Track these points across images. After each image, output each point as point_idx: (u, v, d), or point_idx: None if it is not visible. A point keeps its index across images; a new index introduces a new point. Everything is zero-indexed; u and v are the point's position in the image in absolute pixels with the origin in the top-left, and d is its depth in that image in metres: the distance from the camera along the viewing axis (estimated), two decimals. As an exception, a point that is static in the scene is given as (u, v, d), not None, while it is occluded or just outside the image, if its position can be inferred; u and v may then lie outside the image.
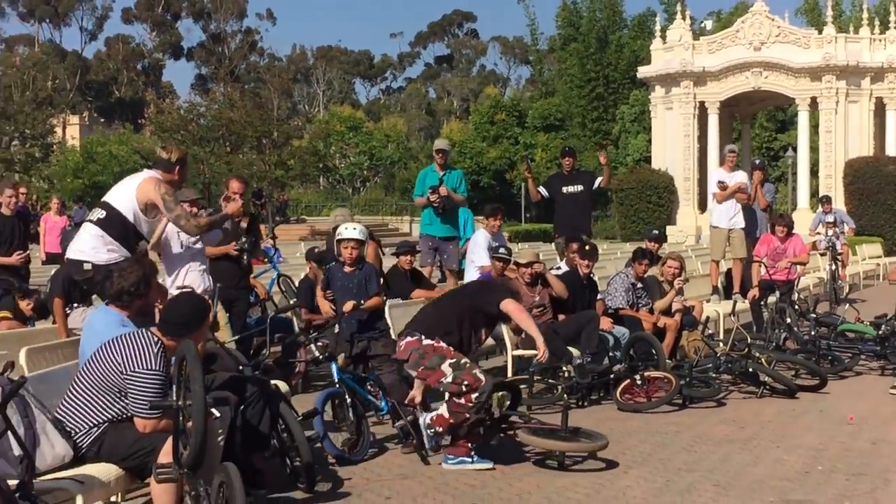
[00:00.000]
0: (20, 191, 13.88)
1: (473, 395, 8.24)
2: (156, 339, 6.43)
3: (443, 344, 8.52)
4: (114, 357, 6.34)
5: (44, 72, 72.02)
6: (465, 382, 8.27)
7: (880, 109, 45.12)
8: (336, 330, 9.83)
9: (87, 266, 8.72)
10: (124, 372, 6.28)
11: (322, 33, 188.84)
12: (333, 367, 9.40)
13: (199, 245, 9.81)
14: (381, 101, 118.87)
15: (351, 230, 10.22)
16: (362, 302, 9.82)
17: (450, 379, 8.34)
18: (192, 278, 9.68)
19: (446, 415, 8.38)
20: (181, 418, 5.96)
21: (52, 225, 20.83)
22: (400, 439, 9.39)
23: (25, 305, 11.32)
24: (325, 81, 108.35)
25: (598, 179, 16.13)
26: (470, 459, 8.56)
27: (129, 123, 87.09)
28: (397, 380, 9.62)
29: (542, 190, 16.40)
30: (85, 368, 6.51)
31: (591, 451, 8.54)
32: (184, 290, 8.91)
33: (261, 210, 45.99)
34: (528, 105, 71.07)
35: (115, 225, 8.83)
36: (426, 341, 8.51)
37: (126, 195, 8.95)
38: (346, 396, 9.16)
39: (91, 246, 8.84)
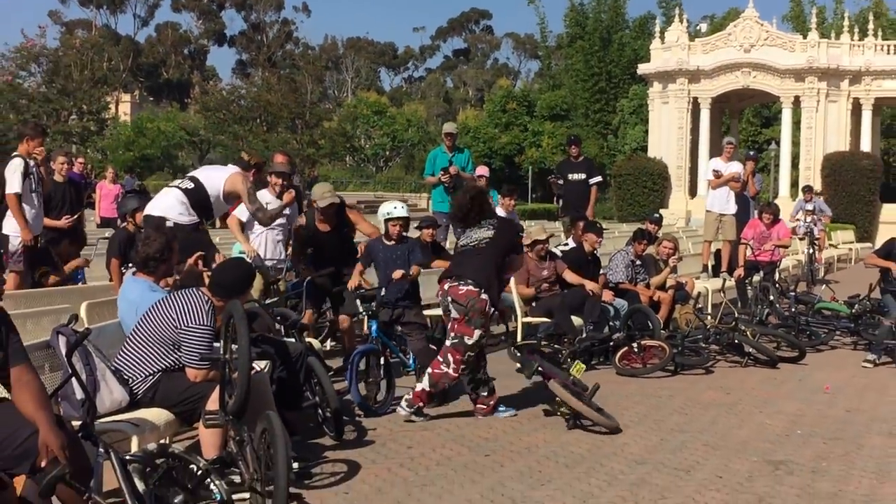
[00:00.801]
0: (79, 160, 13.86)
1: (462, 359, 8.58)
2: (206, 298, 6.46)
3: (490, 309, 8.70)
4: (169, 313, 6.37)
5: (100, 54, 71.63)
6: (468, 354, 8.61)
7: (857, 109, 44.95)
8: (382, 294, 9.78)
9: (168, 223, 8.95)
10: (178, 326, 6.33)
11: (352, 25, 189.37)
12: (374, 326, 9.46)
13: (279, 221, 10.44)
14: (404, 89, 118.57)
15: (400, 209, 10.23)
16: (410, 273, 9.93)
17: (472, 342, 8.52)
18: (270, 247, 10.56)
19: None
20: (227, 370, 5.98)
21: (106, 192, 20.82)
22: None
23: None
24: (354, 69, 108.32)
25: (595, 179, 16.20)
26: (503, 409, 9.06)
27: (176, 102, 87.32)
28: (425, 345, 9.66)
29: (559, 181, 16.36)
30: (141, 322, 6.54)
31: (602, 425, 8.51)
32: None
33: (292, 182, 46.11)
34: (537, 96, 70.80)
35: (200, 198, 9.29)
36: (483, 296, 8.58)
37: (216, 179, 9.58)
38: (381, 354, 9.21)
39: (174, 207, 9.17)
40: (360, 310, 9.67)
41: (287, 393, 7.39)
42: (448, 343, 8.69)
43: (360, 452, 7.72)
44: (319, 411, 8.09)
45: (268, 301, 9.39)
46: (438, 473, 7.25)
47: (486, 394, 8.97)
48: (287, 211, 10.67)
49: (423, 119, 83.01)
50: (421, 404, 8.68)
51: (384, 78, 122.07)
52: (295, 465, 6.84)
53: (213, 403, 6.08)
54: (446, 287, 8.72)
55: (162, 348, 6.41)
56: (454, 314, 8.63)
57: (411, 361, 9.95)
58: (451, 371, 8.58)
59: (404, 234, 10.32)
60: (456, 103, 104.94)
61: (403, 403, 8.72)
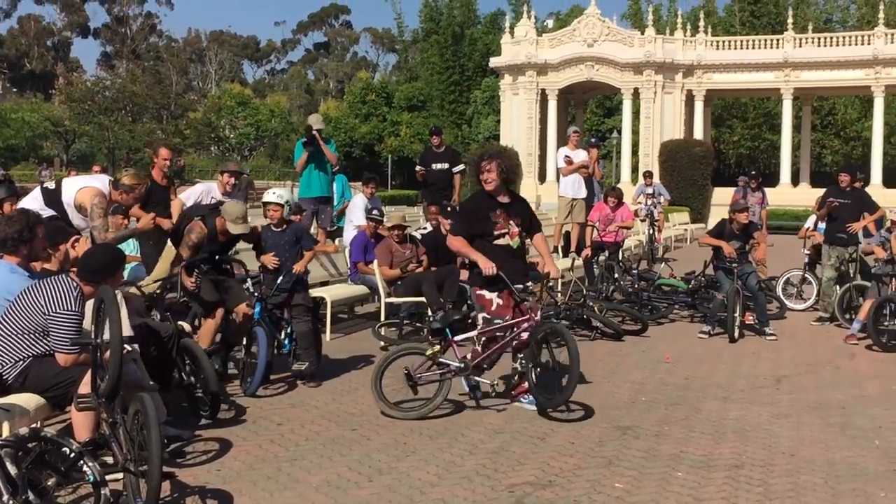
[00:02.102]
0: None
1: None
2: (74, 283, 6.24)
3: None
4: (37, 299, 6.13)
5: (-40, 46, 69.15)
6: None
7: (690, 100, 46.22)
8: (279, 281, 9.53)
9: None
10: (46, 313, 6.10)
11: (214, 19, 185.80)
12: (258, 308, 9.20)
13: None
14: (267, 81, 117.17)
15: (271, 195, 9.95)
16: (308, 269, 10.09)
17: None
18: None
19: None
20: (99, 354, 5.81)
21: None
22: (297, 377, 9.44)
23: None
24: (217, 62, 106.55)
25: (458, 168, 16.16)
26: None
27: (40, 94, 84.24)
28: (309, 328, 9.48)
29: (423, 170, 16.26)
30: (9, 309, 6.28)
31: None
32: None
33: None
34: (395, 88, 70.90)
35: (53, 199, 8.77)
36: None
37: (71, 188, 8.90)
38: (261, 335, 8.99)
39: (29, 204, 8.72)
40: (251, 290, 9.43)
41: (159, 374, 7.23)
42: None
43: (232, 431, 7.62)
44: (195, 391, 7.94)
45: None
46: (308, 448, 7.20)
47: None
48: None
49: (286, 110, 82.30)
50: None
51: (247, 70, 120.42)
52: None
53: (85, 387, 5.90)
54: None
55: (31, 335, 6.16)
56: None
57: (286, 343, 9.75)
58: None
59: (285, 219, 10.04)
60: (317, 95, 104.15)
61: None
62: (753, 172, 16.53)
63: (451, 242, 8.69)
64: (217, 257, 9.38)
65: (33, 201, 8.79)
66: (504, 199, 8.53)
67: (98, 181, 9.22)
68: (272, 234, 9.81)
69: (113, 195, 8.93)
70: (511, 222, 8.44)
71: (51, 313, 6.11)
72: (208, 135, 63.41)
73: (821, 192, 16.51)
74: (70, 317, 6.12)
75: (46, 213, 8.52)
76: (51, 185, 9.26)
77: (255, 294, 9.27)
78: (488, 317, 8.44)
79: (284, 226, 9.90)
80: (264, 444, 7.28)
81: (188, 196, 11.42)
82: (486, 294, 8.40)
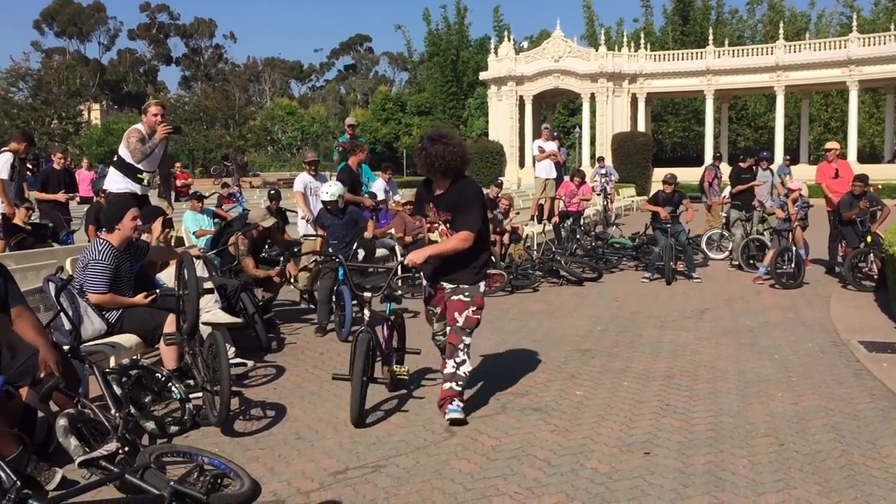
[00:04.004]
0: (58, 155, 13.46)
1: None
2: (101, 240, 6.06)
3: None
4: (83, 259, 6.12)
5: (73, 73, 68.59)
6: None
7: (634, 102, 45.94)
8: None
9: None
10: (85, 265, 6.01)
11: (268, 48, 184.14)
12: (341, 271, 8.41)
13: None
14: (309, 95, 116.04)
15: (325, 194, 9.19)
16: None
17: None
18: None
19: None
20: (182, 302, 5.83)
21: (83, 178, 19.94)
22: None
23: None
24: (270, 81, 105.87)
25: None
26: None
27: (135, 109, 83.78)
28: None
29: None
30: None
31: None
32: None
33: (228, 167, 45.28)
34: (407, 98, 70.44)
35: (117, 163, 8.21)
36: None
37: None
38: (345, 292, 8.28)
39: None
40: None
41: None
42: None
43: (286, 359, 7.67)
44: (253, 331, 8.00)
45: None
46: (343, 370, 7.23)
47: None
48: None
49: (324, 117, 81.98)
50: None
51: (294, 87, 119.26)
52: (236, 368, 6.78)
53: (170, 327, 5.93)
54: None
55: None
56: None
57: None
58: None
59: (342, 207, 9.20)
60: (348, 105, 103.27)
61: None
62: (766, 153, 15.31)
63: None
64: (261, 251, 9.32)
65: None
66: (438, 191, 5.79)
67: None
68: (330, 217, 9.10)
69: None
70: (441, 218, 5.80)
71: (82, 266, 6.04)
72: (265, 138, 63.35)
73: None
74: (93, 265, 5.93)
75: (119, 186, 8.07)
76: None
77: (336, 258, 8.45)
78: (424, 301, 6.21)
79: (341, 213, 9.14)
80: (309, 369, 7.33)
81: (298, 187, 10.94)
82: (425, 281, 6.02)
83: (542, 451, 5.08)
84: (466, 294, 5.75)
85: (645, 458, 4.97)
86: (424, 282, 6.06)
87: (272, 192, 13.84)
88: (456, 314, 5.72)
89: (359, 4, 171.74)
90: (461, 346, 5.72)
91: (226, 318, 6.90)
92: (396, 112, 67.38)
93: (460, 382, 5.75)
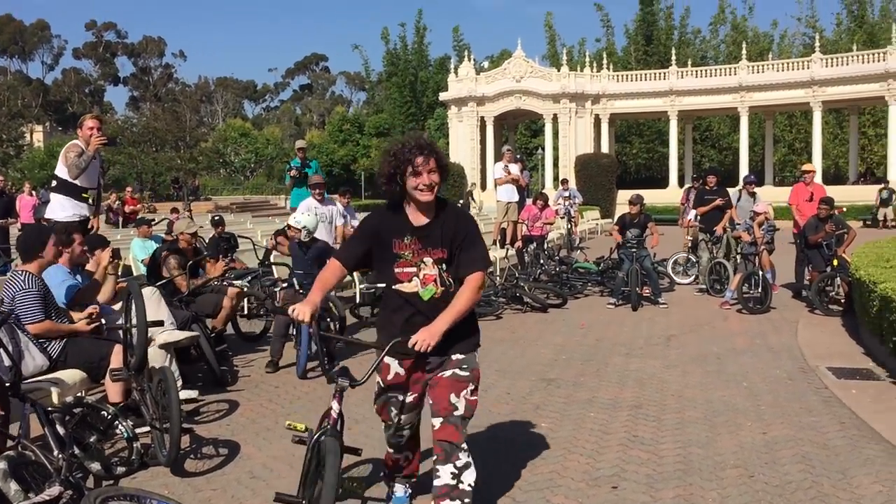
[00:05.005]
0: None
1: None
2: (20, 271, 5.98)
3: None
4: (7, 292, 5.99)
5: (14, 93, 67.75)
6: None
7: (598, 122, 46.47)
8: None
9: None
10: (13, 299, 5.87)
11: (220, 67, 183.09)
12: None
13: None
14: (263, 116, 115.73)
15: (292, 220, 9.13)
16: None
17: None
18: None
19: None
20: (128, 335, 5.75)
21: (25, 202, 19.67)
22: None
23: None
24: (223, 102, 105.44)
25: None
26: None
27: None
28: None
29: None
30: None
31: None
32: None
33: (179, 191, 45.05)
34: (365, 119, 70.50)
35: (58, 186, 7.99)
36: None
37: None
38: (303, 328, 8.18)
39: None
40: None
41: (180, 351, 7.18)
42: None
43: (240, 394, 7.58)
44: (205, 363, 7.90)
45: None
46: (299, 405, 7.19)
47: None
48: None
49: (279, 139, 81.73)
50: None
51: (247, 108, 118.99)
52: (188, 404, 6.68)
53: (116, 361, 5.84)
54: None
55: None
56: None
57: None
58: None
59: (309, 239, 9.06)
60: (304, 126, 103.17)
61: None
62: (752, 177, 15.44)
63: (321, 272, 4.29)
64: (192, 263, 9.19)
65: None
66: (421, 219, 4.10)
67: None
68: (295, 248, 9.07)
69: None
70: (426, 258, 4.09)
71: (14, 297, 5.93)
72: (217, 160, 63.02)
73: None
74: (24, 295, 5.83)
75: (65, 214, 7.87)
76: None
77: (300, 292, 8.41)
78: (381, 385, 4.33)
79: (307, 246, 8.99)
80: (264, 403, 7.25)
81: (300, 209, 10.70)
82: (386, 357, 4.15)
83: (506, 487, 5.07)
84: (463, 367, 4.15)
85: (613, 492, 4.99)
86: (388, 360, 4.20)
87: (216, 218, 13.66)
88: (452, 398, 4.09)
89: (314, 23, 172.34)
90: (462, 443, 4.08)
91: (181, 334, 6.82)
92: (354, 133, 67.37)
93: (467, 501, 4.01)
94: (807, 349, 9.32)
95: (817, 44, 45.05)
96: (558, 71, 46.04)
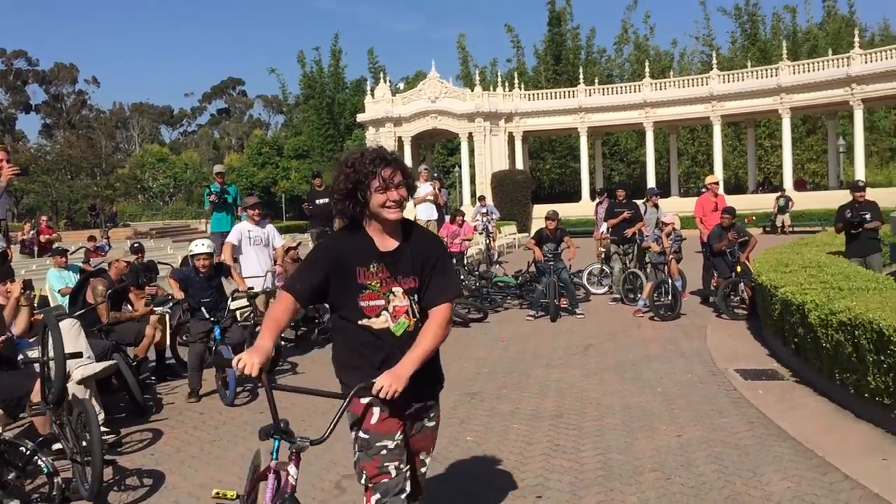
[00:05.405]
0: None
1: None
2: None
3: None
4: None
5: (-79, 124, 65.09)
6: None
7: (512, 140, 46.99)
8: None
9: None
10: None
11: (135, 93, 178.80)
12: (217, 330, 8.26)
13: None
14: (181, 141, 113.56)
15: (201, 246, 8.63)
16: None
17: None
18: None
19: None
20: (46, 369, 5.54)
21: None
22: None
23: None
24: (139, 127, 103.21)
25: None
26: None
27: (-9, 161, 79.71)
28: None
29: (308, 206, 15.97)
30: None
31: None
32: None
33: (96, 218, 43.86)
34: (284, 141, 69.82)
35: None
36: None
37: None
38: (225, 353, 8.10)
39: None
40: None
41: (100, 382, 6.96)
42: None
43: (164, 422, 7.39)
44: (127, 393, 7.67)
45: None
46: (225, 430, 7.03)
47: None
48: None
49: (198, 163, 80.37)
50: None
51: (165, 133, 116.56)
52: (109, 437, 6.47)
53: (36, 396, 5.62)
54: None
55: None
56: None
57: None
58: None
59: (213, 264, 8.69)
60: (222, 149, 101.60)
61: None
62: (656, 189, 15.71)
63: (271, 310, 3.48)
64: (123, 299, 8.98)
65: None
66: (388, 243, 3.46)
67: None
68: (200, 280, 8.50)
69: None
70: (395, 287, 3.44)
71: None
72: (135, 186, 61.64)
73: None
74: None
75: None
76: None
77: (212, 320, 8.27)
78: (364, 436, 3.46)
79: (212, 270, 8.60)
80: (189, 430, 7.08)
81: (232, 238, 10.45)
82: (363, 399, 3.38)
83: (434, 502, 5.04)
84: (432, 417, 3.66)
85: (537, 501, 5.01)
86: (365, 400, 3.39)
87: (135, 245, 13.27)
88: (422, 455, 3.68)
89: (230, 47, 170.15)
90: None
91: (100, 366, 6.61)
92: (273, 156, 66.67)
93: None
94: (715, 353, 9.56)
95: (714, 61, 46.56)
96: (472, 91, 46.45)
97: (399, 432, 3.45)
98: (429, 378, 3.47)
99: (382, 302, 3.41)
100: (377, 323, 3.41)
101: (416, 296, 3.47)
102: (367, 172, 3.33)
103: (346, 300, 3.42)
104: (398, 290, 3.43)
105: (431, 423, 3.64)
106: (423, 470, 3.69)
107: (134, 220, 59.91)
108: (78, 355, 6.48)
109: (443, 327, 3.43)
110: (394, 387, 3.17)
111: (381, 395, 3.16)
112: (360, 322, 3.41)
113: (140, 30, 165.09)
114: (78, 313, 8.06)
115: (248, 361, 3.12)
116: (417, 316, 3.47)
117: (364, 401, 3.38)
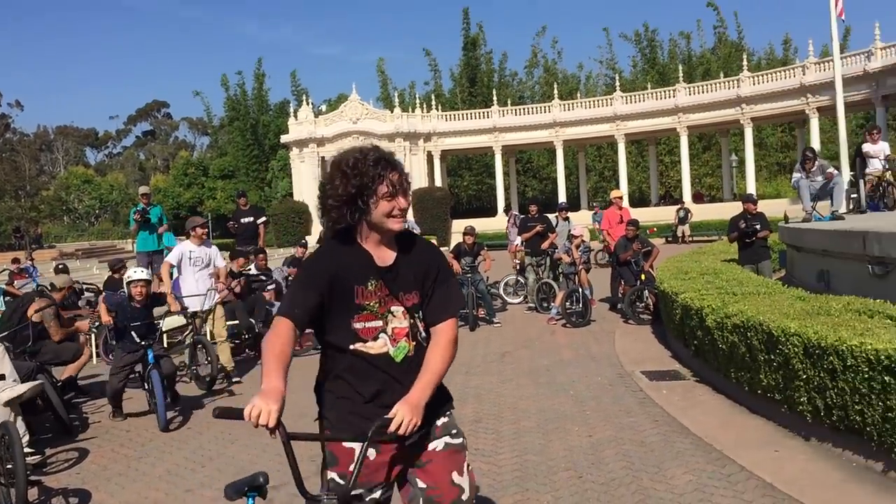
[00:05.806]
0: None
1: None
2: None
3: None
4: None
5: None
6: None
7: (430, 159, 47.28)
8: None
9: None
10: None
11: (60, 116, 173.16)
12: (150, 355, 7.83)
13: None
14: (106, 162, 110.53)
15: (140, 273, 8.24)
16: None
17: None
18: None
19: None
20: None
21: None
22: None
23: None
24: (64, 150, 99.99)
25: (261, 219, 15.60)
26: None
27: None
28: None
29: (234, 224, 15.59)
30: None
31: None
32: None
33: (21, 240, 42.31)
34: (210, 162, 68.64)
35: None
36: None
37: None
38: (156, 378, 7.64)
39: None
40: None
41: (25, 403, 6.68)
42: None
43: (90, 441, 7.15)
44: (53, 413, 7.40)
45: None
46: (152, 447, 6.84)
47: None
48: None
49: (124, 184, 78.35)
50: None
51: (90, 155, 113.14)
52: (34, 458, 6.22)
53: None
54: None
55: None
56: None
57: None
58: None
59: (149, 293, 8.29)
60: (148, 171, 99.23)
61: None
62: (565, 204, 15.99)
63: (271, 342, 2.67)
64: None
65: None
66: (386, 257, 2.86)
67: None
68: (127, 305, 8.11)
69: None
70: (395, 307, 2.83)
71: None
72: (60, 208, 59.73)
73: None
74: None
75: None
76: None
77: (143, 344, 7.87)
78: (339, 481, 2.86)
79: (147, 299, 8.19)
80: (116, 448, 6.86)
81: (171, 257, 9.91)
82: (349, 443, 2.82)
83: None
84: (453, 433, 2.95)
85: (458, 504, 5.00)
86: (351, 444, 2.82)
87: (60, 266, 12.87)
88: (455, 477, 2.90)
89: (154, 71, 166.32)
90: None
91: (24, 387, 6.35)
92: (199, 176, 65.49)
93: None
94: (623, 356, 9.75)
95: (617, 83, 47.73)
96: (392, 112, 46.62)
97: (379, 473, 2.82)
98: (435, 399, 2.78)
99: (380, 323, 2.80)
100: (374, 347, 2.80)
101: (420, 313, 2.87)
102: (373, 176, 2.75)
103: (339, 323, 2.79)
104: (398, 309, 2.83)
105: (457, 441, 2.93)
106: (463, 499, 2.88)
107: (59, 241, 57.99)
108: (0, 377, 6.24)
109: (451, 346, 2.85)
110: (413, 420, 2.57)
111: (401, 432, 2.55)
112: (351, 347, 2.79)
113: (64, 53, 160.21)
114: (2, 335, 7.75)
115: (265, 410, 2.43)
116: (419, 339, 2.86)
117: (353, 445, 2.77)
